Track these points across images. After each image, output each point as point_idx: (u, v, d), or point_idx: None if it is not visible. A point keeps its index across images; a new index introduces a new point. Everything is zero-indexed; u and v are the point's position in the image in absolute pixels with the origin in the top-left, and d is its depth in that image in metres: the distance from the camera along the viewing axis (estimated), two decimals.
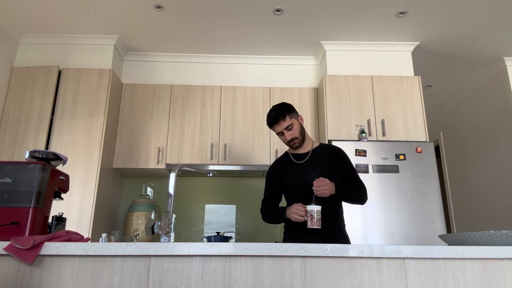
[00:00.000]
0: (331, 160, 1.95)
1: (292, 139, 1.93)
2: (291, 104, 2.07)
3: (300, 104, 3.47)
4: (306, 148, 2.01)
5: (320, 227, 1.71)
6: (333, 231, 1.89)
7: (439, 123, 4.97)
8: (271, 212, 1.99)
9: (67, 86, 3.21)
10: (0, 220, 1.28)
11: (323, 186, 1.75)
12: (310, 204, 1.73)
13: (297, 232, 1.90)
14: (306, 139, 2.01)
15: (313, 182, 1.77)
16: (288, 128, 1.92)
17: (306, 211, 1.72)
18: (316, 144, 2.04)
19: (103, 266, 1.10)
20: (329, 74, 3.38)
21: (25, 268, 1.09)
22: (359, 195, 1.92)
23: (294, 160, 2.01)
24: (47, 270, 1.09)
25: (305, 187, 1.89)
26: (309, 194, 1.83)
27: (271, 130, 3.35)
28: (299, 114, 2.01)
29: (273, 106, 1.98)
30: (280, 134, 1.95)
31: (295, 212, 1.76)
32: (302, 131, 1.97)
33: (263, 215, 2.04)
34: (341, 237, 1.92)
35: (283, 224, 2.02)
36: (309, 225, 1.69)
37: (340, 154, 1.99)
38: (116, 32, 3.33)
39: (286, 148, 3.34)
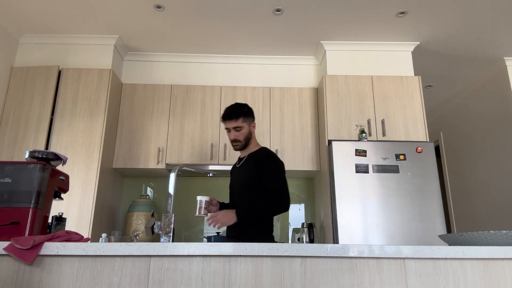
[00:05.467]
0: (254, 168, 1.98)
1: (235, 140, 2.02)
2: (251, 107, 2.12)
3: (300, 104, 3.47)
4: (247, 152, 2.09)
5: (205, 215, 1.87)
6: (251, 235, 1.95)
7: (439, 123, 4.97)
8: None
9: (67, 86, 3.21)
10: (0, 220, 1.28)
11: (215, 219, 1.84)
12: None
13: (228, 234, 2.06)
14: (251, 145, 2.08)
15: (209, 217, 1.88)
16: (236, 129, 2.00)
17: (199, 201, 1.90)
18: (256, 149, 2.08)
19: (103, 266, 1.10)
20: (329, 74, 3.38)
21: (25, 268, 1.09)
22: (267, 211, 1.88)
23: (236, 163, 2.14)
24: (47, 270, 1.09)
25: (232, 189, 2.08)
26: (234, 196, 2.03)
27: (271, 131, 3.37)
28: (254, 121, 2.09)
29: (235, 103, 2.07)
30: (227, 131, 2.05)
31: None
32: (248, 137, 2.05)
33: None
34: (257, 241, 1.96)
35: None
36: (196, 214, 1.89)
37: (261, 164, 1.97)
38: (116, 32, 3.33)
39: (286, 149, 3.35)
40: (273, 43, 3.49)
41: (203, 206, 1.87)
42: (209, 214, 1.91)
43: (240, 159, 2.15)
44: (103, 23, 3.19)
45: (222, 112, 1.95)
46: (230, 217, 1.84)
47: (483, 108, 4.02)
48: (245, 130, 2.02)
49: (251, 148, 2.08)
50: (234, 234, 2.00)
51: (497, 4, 2.88)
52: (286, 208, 1.89)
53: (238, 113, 1.99)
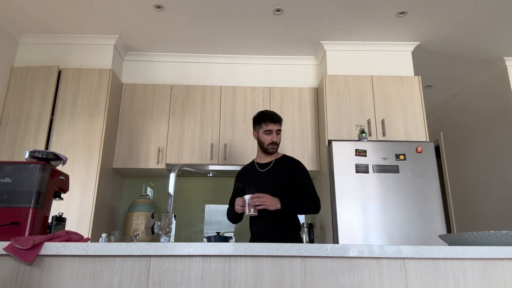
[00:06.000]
0: (289, 172, 2.09)
1: (276, 143, 2.11)
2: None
3: (300, 104, 3.47)
4: (272, 158, 2.17)
5: (256, 214, 1.86)
6: (286, 234, 2.02)
7: (439, 123, 4.97)
8: (229, 210, 2.17)
9: (67, 86, 3.21)
10: (0, 220, 1.28)
11: (262, 200, 1.86)
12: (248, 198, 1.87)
13: (253, 233, 2.10)
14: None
15: (252, 195, 1.88)
16: (277, 132, 2.11)
17: (244, 201, 1.87)
18: (279, 156, 2.19)
19: (103, 266, 1.10)
20: (329, 74, 3.38)
21: (25, 268, 1.09)
22: (306, 207, 2.00)
23: (258, 168, 2.17)
24: (47, 270, 1.09)
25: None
26: None
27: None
28: None
29: (266, 110, 2.17)
30: (268, 132, 2.10)
31: (236, 204, 1.94)
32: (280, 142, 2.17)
33: (226, 214, 2.21)
34: (291, 241, 2.02)
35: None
36: (246, 212, 1.85)
37: (297, 167, 2.11)
38: (116, 32, 3.33)
39: (286, 149, 3.35)
40: (273, 43, 3.49)
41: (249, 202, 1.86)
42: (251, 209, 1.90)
43: (259, 164, 2.19)
44: (103, 23, 3.19)
45: (263, 115, 1.96)
46: (275, 202, 1.91)
47: (483, 108, 4.02)
48: (281, 135, 2.16)
49: (276, 154, 2.18)
50: (269, 231, 2.02)
51: (497, 4, 2.88)
52: (319, 209, 2.03)
53: (280, 118, 2.14)
